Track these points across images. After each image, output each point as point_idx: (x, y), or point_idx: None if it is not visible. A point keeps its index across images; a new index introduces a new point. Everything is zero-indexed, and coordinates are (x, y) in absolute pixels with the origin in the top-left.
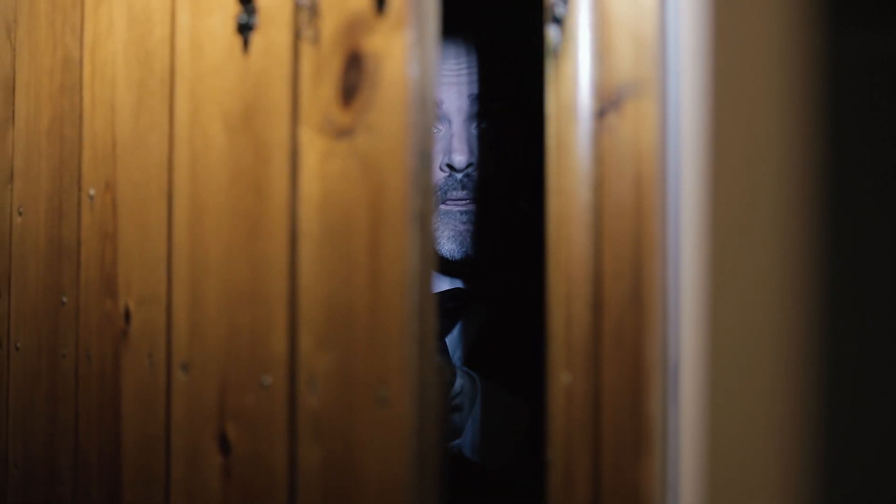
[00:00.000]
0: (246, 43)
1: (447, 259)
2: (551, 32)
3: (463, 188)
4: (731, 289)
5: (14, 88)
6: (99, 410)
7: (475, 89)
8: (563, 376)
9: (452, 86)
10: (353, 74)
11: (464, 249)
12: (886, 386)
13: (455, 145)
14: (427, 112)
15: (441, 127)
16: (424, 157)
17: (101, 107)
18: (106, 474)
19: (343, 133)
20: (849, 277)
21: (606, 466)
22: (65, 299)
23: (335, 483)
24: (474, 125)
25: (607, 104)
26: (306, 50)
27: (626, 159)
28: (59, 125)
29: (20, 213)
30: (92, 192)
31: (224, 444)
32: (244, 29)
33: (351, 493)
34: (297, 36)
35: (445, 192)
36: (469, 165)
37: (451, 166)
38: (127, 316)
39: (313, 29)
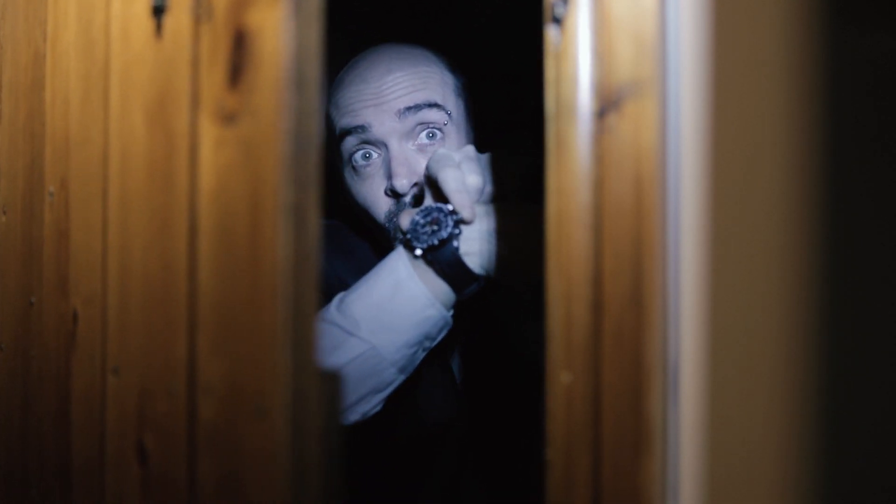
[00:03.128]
0: (159, 27)
1: None
2: (551, 32)
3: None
4: (731, 289)
5: (1, 86)
6: (56, 413)
7: (402, 104)
8: (563, 376)
9: (378, 107)
10: (238, 54)
11: None
12: (886, 386)
13: (394, 169)
14: (306, 93)
15: (379, 152)
16: (302, 143)
17: (59, 101)
18: (62, 480)
19: (231, 118)
20: (849, 277)
21: (606, 466)
22: (33, 299)
23: (228, 500)
24: (412, 143)
25: (607, 104)
26: (204, 30)
27: (626, 159)
28: (31, 122)
29: (4, 213)
30: (51, 189)
31: (142, 454)
32: (157, 12)
33: None
34: (196, 15)
35: (394, 217)
36: (415, 185)
37: (394, 192)
38: (75, 317)
39: (207, 6)
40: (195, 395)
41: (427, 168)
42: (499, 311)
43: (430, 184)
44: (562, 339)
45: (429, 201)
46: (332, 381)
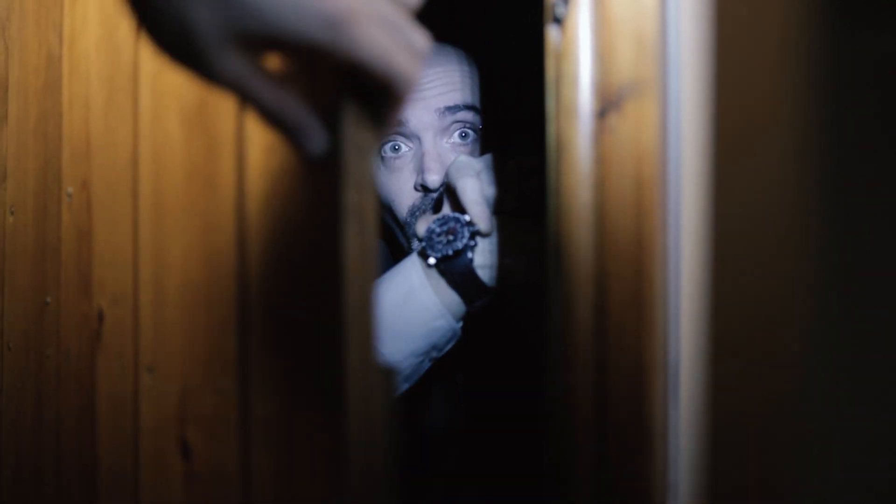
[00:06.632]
0: None
1: None
2: (552, 33)
3: (438, 208)
4: (732, 289)
5: (7, 87)
6: (77, 412)
7: (443, 102)
8: (564, 376)
9: (417, 101)
10: None
11: None
12: (888, 387)
13: (427, 164)
14: None
15: (410, 145)
16: (360, 148)
17: (78, 104)
18: (84, 477)
19: None
20: (851, 277)
21: (607, 466)
22: (48, 299)
23: (287, 492)
24: (446, 140)
25: (608, 104)
26: None
27: (627, 159)
28: (44, 124)
29: (12, 213)
30: (70, 190)
31: (186, 450)
32: None
33: (302, 502)
34: None
35: (417, 213)
36: (444, 183)
37: (424, 187)
38: (100, 317)
39: None
40: (247, 390)
41: (447, 175)
42: (517, 318)
43: (449, 191)
44: (563, 339)
45: (447, 209)
46: (391, 376)
